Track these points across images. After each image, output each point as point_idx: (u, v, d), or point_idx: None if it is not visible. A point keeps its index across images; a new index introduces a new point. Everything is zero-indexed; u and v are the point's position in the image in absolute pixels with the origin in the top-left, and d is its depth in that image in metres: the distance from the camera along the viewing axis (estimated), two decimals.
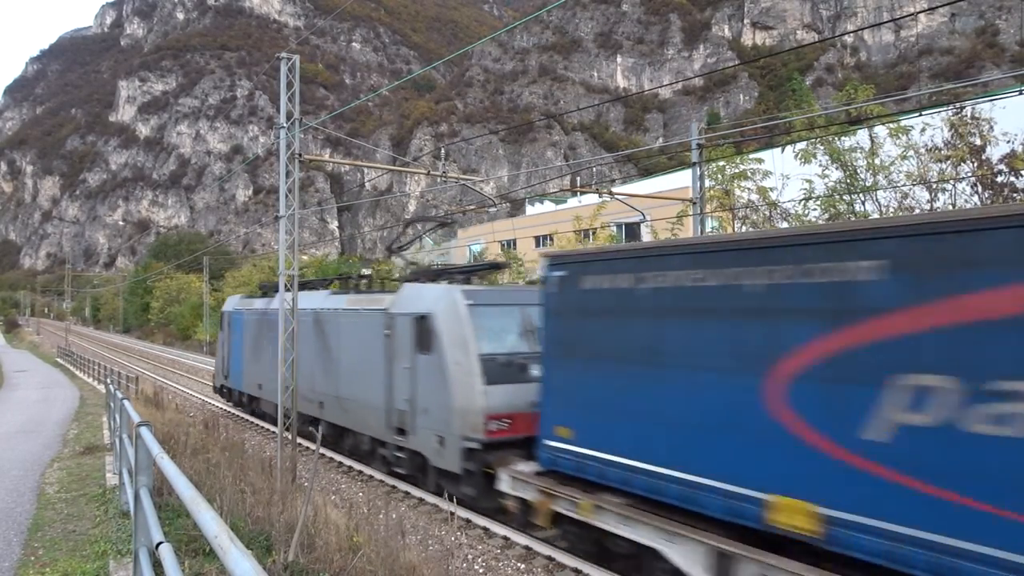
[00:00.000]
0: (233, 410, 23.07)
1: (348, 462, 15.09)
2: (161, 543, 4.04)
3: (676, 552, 7.06)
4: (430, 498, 12.06)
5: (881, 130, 14.85)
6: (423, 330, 11.73)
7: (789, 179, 16.90)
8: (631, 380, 7.78)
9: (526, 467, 9.38)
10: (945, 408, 5.28)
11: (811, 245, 6.37)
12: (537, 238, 40.70)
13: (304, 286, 17.75)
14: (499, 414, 10.52)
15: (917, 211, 14.61)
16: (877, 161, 14.82)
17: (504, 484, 9.48)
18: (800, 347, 6.20)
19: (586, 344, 8.37)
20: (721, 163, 18.11)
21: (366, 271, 18.78)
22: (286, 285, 15.12)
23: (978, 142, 13.63)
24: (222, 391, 24.05)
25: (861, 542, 5.68)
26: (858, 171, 15.16)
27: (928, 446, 5.37)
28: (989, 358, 5.10)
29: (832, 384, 5.96)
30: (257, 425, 20.67)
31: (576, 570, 8.89)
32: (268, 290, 21.44)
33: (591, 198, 25.56)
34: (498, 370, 10.73)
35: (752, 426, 6.51)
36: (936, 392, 5.33)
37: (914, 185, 14.49)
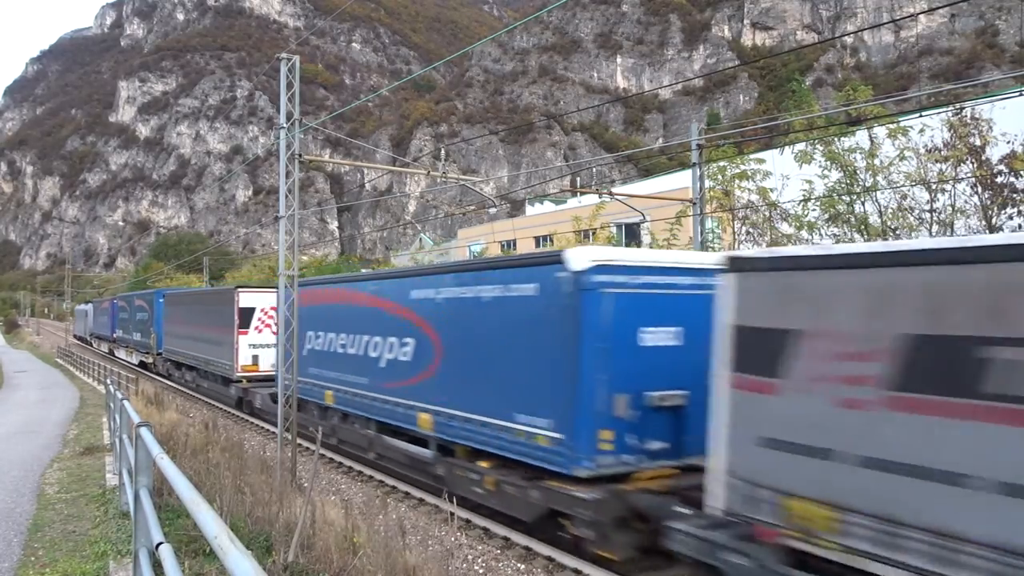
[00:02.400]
0: (230, 409, 23.13)
1: (348, 462, 15.12)
2: (161, 544, 4.05)
3: None
4: (430, 498, 12.08)
5: (881, 131, 14.85)
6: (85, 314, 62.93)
7: (789, 179, 16.89)
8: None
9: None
10: None
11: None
12: (537, 238, 40.65)
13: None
14: (95, 331, 54.82)
15: (917, 212, 14.63)
16: (876, 162, 14.82)
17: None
18: None
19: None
20: (722, 164, 18.10)
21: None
22: (286, 285, 15.15)
23: (978, 142, 13.63)
24: (76, 337, 65.73)
25: None
26: (857, 172, 15.15)
27: None
28: None
29: None
30: (257, 425, 20.69)
31: (576, 570, 8.90)
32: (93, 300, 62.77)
33: (591, 199, 25.54)
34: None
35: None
36: None
37: (913, 185, 14.49)
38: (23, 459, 12.09)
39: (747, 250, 6.83)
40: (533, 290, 9.29)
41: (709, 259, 8.89)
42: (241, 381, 22.00)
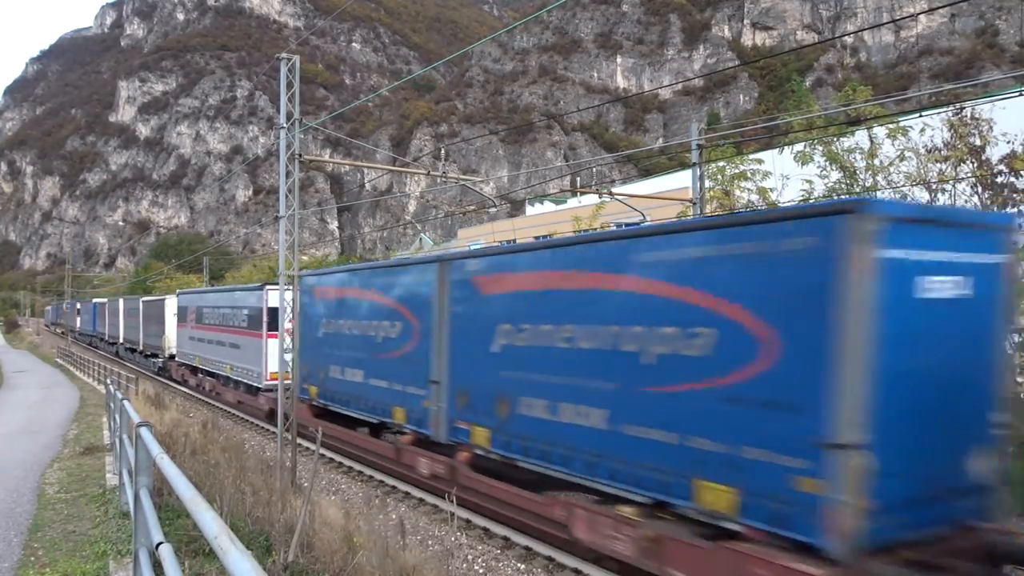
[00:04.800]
0: (231, 409, 23.11)
1: (348, 462, 15.11)
2: (161, 543, 4.05)
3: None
4: (430, 498, 12.07)
5: (881, 131, 14.83)
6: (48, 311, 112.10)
7: (789, 179, 16.88)
8: None
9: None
10: None
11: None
12: (537, 238, 40.61)
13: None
14: (51, 320, 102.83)
15: None
16: (876, 162, 14.80)
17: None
18: None
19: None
20: (721, 164, 18.09)
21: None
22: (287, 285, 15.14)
23: (978, 142, 13.61)
24: (44, 325, 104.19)
25: None
26: (857, 172, 15.13)
27: None
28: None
29: None
30: (257, 425, 20.68)
31: (576, 570, 8.90)
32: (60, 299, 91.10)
33: (591, 199, 25.51)
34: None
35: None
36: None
37: (913, 185, 14.47)
38: (23, 459, 12.09)
39: None
40: None
41: None
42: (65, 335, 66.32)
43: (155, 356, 34.66)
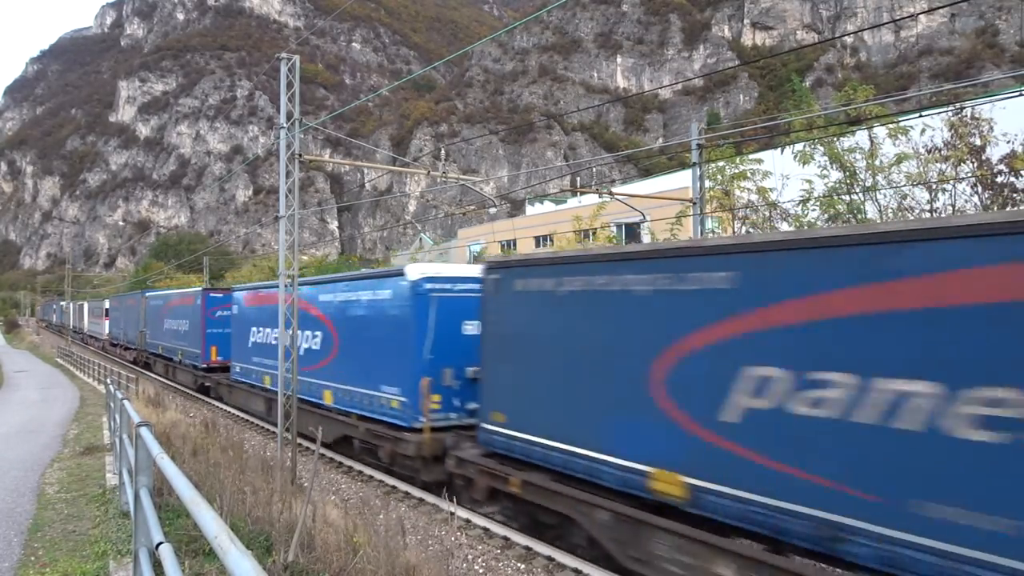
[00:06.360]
0: (231, 409, 23.15)
1: (348, 462, 15.10)
2: (161, 543, 4.04)
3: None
4: (430, 498, 12.08)
5: (881, 130, 14.83)
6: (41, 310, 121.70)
7: (789, 179, 16.88)
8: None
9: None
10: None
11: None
12: (537, 238, 40.64)
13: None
14: (41, 317, 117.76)
15: (917, 211, 14.62)
16: (876, 162, 14.81)
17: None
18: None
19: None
20: (721, 164, 18.08)
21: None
22: (286, 285, 15.15)
23: (978, 142, 13.62)
24: (36, 320, 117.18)
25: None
26: (857, 172, 15.14)
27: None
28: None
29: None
30: (257, 425, 20.69)
31: (576, 570, 8.90)
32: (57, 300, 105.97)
33: (591, 198, 25.53)
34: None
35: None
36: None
37: (914, 185, 14.48)
38: (23, 459, 12.09)
39: None
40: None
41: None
42: (49, 327, 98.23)
43: (82, 333, 62.33)
